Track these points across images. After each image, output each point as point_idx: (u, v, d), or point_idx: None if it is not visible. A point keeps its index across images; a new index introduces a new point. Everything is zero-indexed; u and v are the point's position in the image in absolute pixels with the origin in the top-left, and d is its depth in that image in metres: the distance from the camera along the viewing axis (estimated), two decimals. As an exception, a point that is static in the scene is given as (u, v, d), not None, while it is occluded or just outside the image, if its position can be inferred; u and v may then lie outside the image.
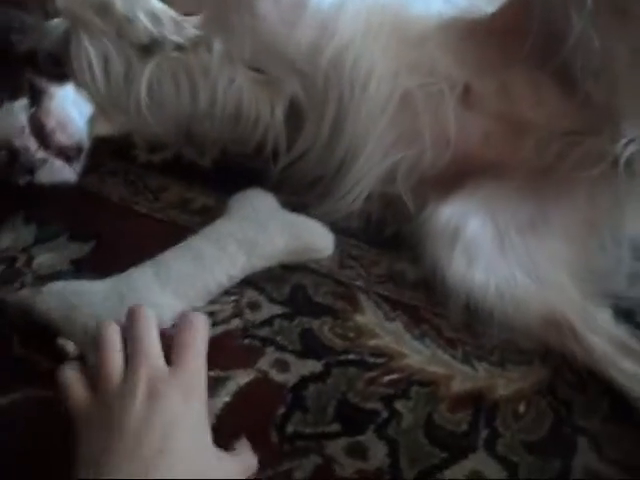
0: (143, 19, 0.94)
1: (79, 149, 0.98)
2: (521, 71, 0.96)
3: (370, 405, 0.78)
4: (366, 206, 0.99)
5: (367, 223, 0.99)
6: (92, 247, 0.95)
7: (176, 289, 0.82)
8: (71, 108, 0.98)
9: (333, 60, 0.95)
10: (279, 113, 0.99)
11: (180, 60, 0.98)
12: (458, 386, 0.81)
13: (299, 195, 1.00)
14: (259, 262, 0.88)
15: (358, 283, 0.92)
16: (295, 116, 1.00)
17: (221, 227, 0.89)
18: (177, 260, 0.84)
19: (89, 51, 0.97)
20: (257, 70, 0.98)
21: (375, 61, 0.95)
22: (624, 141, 0.89)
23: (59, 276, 0.89)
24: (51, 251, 0.94)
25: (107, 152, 1.08)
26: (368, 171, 0.97)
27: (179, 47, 0.96)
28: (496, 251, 0.90)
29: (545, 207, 0.94)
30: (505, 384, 0.82)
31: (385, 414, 0.77)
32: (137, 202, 1.03)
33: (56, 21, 0.97)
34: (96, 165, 1.05)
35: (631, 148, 0.89)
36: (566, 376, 0.83)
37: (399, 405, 0.78)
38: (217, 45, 0.97)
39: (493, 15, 0.98)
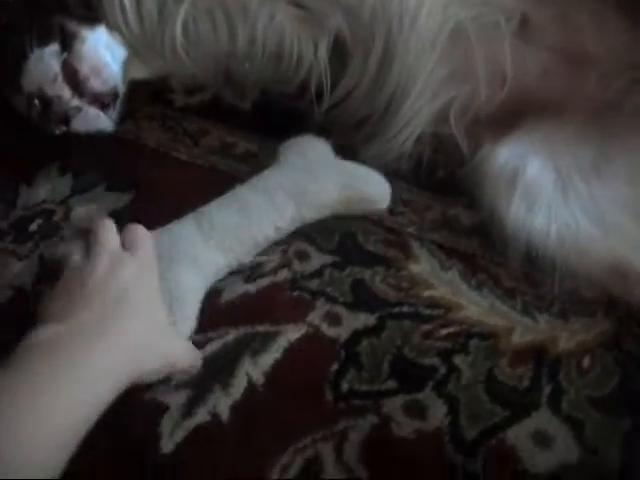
0: None
1: (114, 95, 0.94)
2: (582, 2, 0.90)
3: (427, 360, 0.74)
4: (417, 147, 0.94)
5: (418, 165, 0.95)
6: (131, 197, 0.92)
7: (220, 242, 0.78)
8: (104, 52, 0.93)
9: None
10: (323, 50, 0.93)
11: (216, 5, 0.92)
12: (519, 339, 0.78)
13: (346, 137, 0.96)
14: (309, 213, 0.84)
15: (410, 230, 0.88)
16: (340, 53, 0.94)
17: (269, 177, 0.85)
18: (221, 211, 0.80)
19: None
20: (298, 6, 0.92)
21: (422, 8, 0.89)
22: None
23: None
24: (89, 202, 0.91)
25: (143, 96, 1.04)
26: (419, 110, 0.92)
27: None
28: (558, 195, 0.86)
29: (608, 148, 0.89)
30: (568, 337, 0.78)
31: (443, 370, 0.74)
32: (176, 148, 0.99)
33: None
34: (132, 110, 1.02)
35: None
36: (632, 328, 0.79)
37: (458, 360, 0.75)
38: None
39: None
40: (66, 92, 0.90)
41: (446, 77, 0.91)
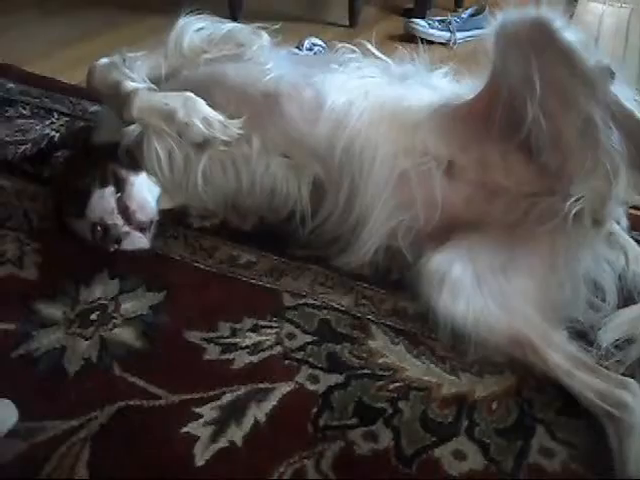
0: (198, 123, 1.26)
1: (151, 222, 1.28)
2: (494, 146, 1.25)
3: (379, 405, 1.05)
4: (375, 257, 1.28)
5: (376, 271, 1.29)
6: (164, 295, 1.24)
7: None
8: (146, 192, 1.28)
9: (346, 148, 1.26)
10: (305, 190, 1.30)
11: (226, 153, 1.30)
12: (446, 390, 1.08)
13: (324, 250, 1.31)
14: None
15: (370, 317, 1.21)
16: (317, 191, 1.31)
17: None
18: None
19: (157, 148, 1.29)
20: (287, 157, 1.30)
21: (378, 147, 1.25)
22: (573, 199, 1.17)
23: (142, 319, 1.18)
24: (133, 299, 1.23)
25: (169, 221, 1.37)
26: (376, 231, 1.26)
27: (226, 143, 1.28)
28: (475, 289, 1.17)
29: (514, 253, 1.22)
30: (482, 388, 1.09)
31: (390, 411, 1.04)
32: (196, 260, 1.32)
33: (132, 127, 1.28)
34: (161, 231, 1.35)
35: (578, 205, 1.17)
36: (529, 381, 1.10)
37: (401, 404, 1.05)
38: (255, 140, 1.29)
39: (470, 101, 1.28)
40: (119, 221, 1.24)
41: (395, 207, 1.26)
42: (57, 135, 1.72)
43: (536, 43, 1.16)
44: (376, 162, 1.26)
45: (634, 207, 1.41)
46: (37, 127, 1.75)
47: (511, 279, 1.20)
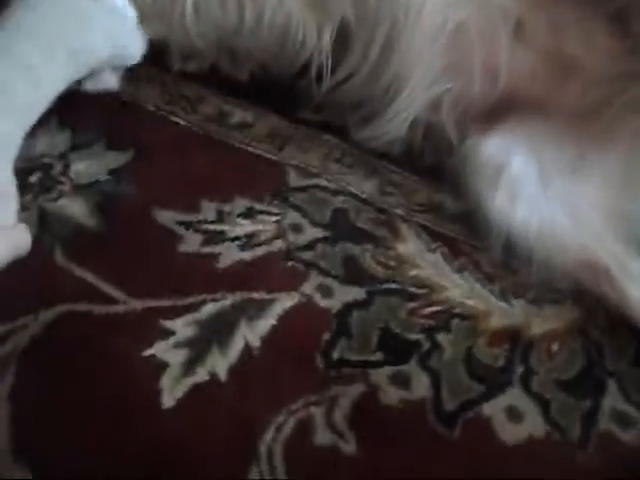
0: None
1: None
2: (576, 10, 0.94)
3: (412, 335, 0.79)
4: (409, 133, 0.98)
5: (408, 150, 0.99)
6: (130, 157, 0.93)
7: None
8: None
9: None
10: (327, 37, 0.96)
11: None
12: (496, 322, 0.83)
13: (340, 117, 1.00)
14: (83, 70, 0.87)
15: (398, 211, 0.93)
16: (343, 38, 0.97)
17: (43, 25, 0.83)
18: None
19: None
20: None
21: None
22: None
23: (98, 187, 0.88)
24: (88, 159, 0.92)
25: (142, 59, 1.04)
26: (414, 99, 0.96)
27: None
28: (539, 190, 0.91)
29: (587, 151, 0.94)
30: (540, 322, 0.84)
31: (427, 345, 0.79)
32: (175, 112, 1.00)
33: None
34: (131, 72, 1.02)
35: None
36: (599, 319, 0.85)
37: (440, 337, 0.80)
38: None
39: None
40: None
41: (444, 69, 0.95)
42: None
43: None
44: (426, 5, 0.92)
45: None
46: None
47: (583, 182, 0.93)
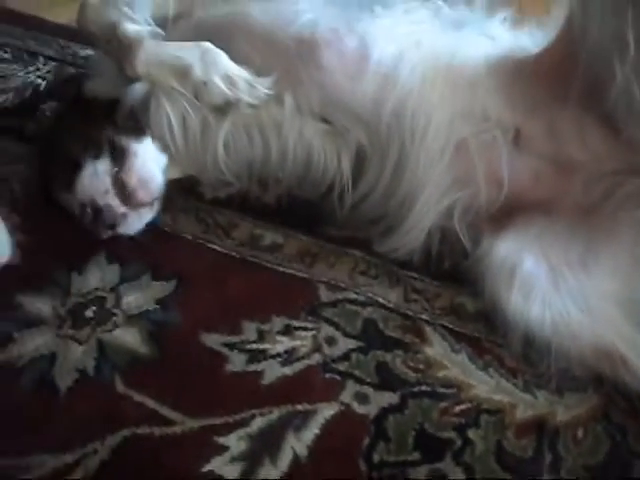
0: (218, 82, 1.02)
1: (155, 200, 1.07)
2: (568, 113, 1.02)
3: (445, 434, 0.86)
4: (427, 242, 1.06)
5: (427, 257, 1.07)
6: (175, 285, 1.02)
7: None
8: (151, 164, 1.06)
9: (395, 111, 1.03)
10: (346, 161, 1.07)
11: (253, 116, 1.06)
12: (522, 413, 0.89)
13: (363, 231, 1.09)
14: None
15: (423, 316, 1.00)
16: (359, 162, 1.07)
17: None
18: None
19: (168, 112, 1.05)
20: (325, 121, 1.06)
21: (432, 110, 1.03)
22: None
23: (148, 316, 0.97)
24: (137, 290, 1.02)
25: (177, 191, 1.15)
26: (427, 211, 1.05)
27: (252, 106, 1.04)
28: (550, 286, 0.97)
29: (594, 245, 1.01)
30: (564, 410, 0.90)
31: (459, 442, 0.85)
32: (211, 240, 1.10)
33: (137, 85, 1.05)
34: (168, 203, 1.12)
35: None
36: (619, 402, 0.90)
37: (471, 433, 0.86)
38: (288, 100, 1.05)
39: (538, 56, 1.05)
40: (115, 202, 1.02)
41: (451, 183, 1.04)
42: (43, 83, 1.45)
43: None
44: (430, 128, 1.03)
45: None
46: (20, 73, 1.48)
47: (592, 275, 1.00)
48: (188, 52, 1.03)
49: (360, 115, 1.05)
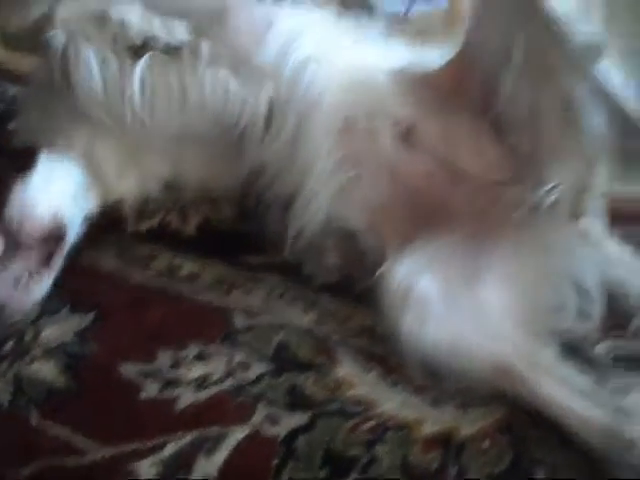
0: (136, 20, 1.07)
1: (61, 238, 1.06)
2: (464, 121, 1.09)
3: (353, 452, 0.89)
4: (336, 257, 1.11)
5: (342, 278, 1.11)
6: (92, 318, 1.05)
7: None
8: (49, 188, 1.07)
9: (295, 70, 1.10)
10: (261, 106, 1.12)
11: (169, 60, 1.10)
12: (429, 428, 0.92)
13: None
14: None
15: (335, 337, 1.04)
16: (269, 113, 1.13)
17: None
18: None
19: (88, 57, 1.08)
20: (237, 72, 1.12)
21: (327, 84, 1.10)
22: (546, 188, 1.02)
23: (65, 349, 0.99)
24: (55, 324, 1.04)
25: (98, 225, 1.17)
26: (322, 186, 1.10)
27: (168, 50, 1.09)
28: (445, 308, 1.00)
29: (485, 254, 1.05)
30: (469, 424, 0.93)
31: (366, 458, 0.88)
32: (129, 273, 1.13)
33: (58, 34, 1.08)
34: (89, 238, 1.15)
35: (552, 194, 1.02)
36: (521, 414, 0.94)
37: (378, 449, 0.89)
38: (204, 49, 1.11)
39: (439, 69, 1.13)
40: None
41: (340, 160, 1.10)
42: None
43: (516, 7, 1.01)
44: (324, 98, 1.10)
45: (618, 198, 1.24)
46: None
47: (486, 289, 1.04)
48: (104, 2, 1.09)
49: (265, 72, 1.11)
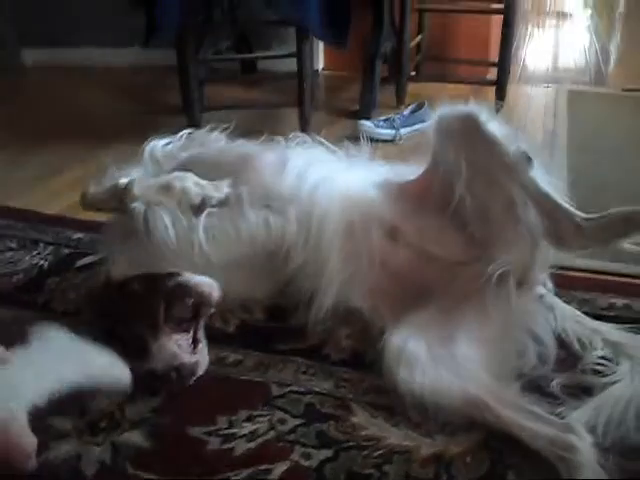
0: (192, 187, 1.47)
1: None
2: (432, 219, 1.49)
3: (367, 471, 1.19)
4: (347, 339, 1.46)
5: (355, 357, 1.45)
6: (162, 398, 1.37)
7: None
8: None
9: (309, 192, 1.52)
10: (292, 228, 1.50)
11: (223, 211, 1.49)
12: (425, 451, 1.23)
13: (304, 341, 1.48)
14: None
15: (350, 396, 1.36)
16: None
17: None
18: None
19: (163, 218, 1.46)
20: (269, 206, 1.52)
21: (330, 202, 1.51)
22: (496, 264, 1.39)
23: (146, 421, 1.31)
24: (136, 404, 1.36)
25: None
26: (333, 279, 1.47)
27: (220, 202, 1.49)
28: (428, 361, 1.32)
29: (458, 320, 1.39)
30: (456, 446, 1.23)
31: (377, 474, 1.18)
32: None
33: (136, 204, 1.46)
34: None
35: (501, 268, 1.39)
36: (497, 434, 1.24)
37: (386, 468, 1.19)
38: (244, 195, 1.51)
39: (414, 180, 1.55)
40: (187, 353, 1.36)
41: (345, 257, 1.48)
42: (46, 263, 1.88)
43: (465, 133, 1.42)
44: (329, 212, 1.49)
45: (562, 267, 1.62)
46: (26, 258, 1.91)
47: (459, 346, 1.36)
48: (165, 177, 1.50)
49: (288, 198, 1.50)
